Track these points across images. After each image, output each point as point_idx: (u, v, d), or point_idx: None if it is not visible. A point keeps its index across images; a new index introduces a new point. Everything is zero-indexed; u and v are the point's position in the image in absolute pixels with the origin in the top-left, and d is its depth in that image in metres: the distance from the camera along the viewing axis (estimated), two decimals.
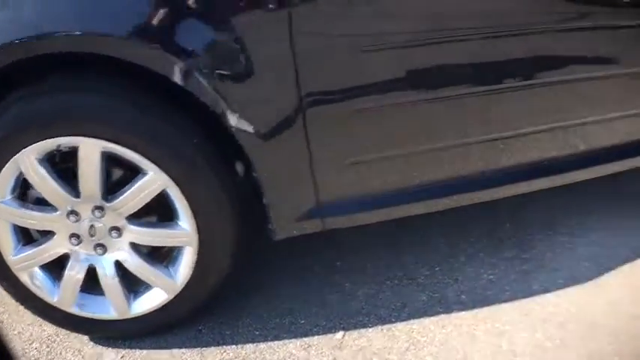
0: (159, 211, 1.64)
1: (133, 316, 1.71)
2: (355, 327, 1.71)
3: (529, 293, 1.81)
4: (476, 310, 1.75)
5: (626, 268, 1.92)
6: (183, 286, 1.66)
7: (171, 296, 1.68)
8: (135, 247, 1.64)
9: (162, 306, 1.70)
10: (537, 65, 1.74)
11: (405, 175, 1.68)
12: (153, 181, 1.53)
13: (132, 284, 1.69)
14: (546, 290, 1.82)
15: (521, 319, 1.74)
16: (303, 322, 1.74)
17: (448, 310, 1.75)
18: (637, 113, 1.98)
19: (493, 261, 1.92)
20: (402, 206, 1.69)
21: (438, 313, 1.74)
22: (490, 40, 1.61)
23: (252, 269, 1.92)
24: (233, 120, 1.46)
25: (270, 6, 1.40)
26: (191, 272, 1.65)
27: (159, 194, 1.55)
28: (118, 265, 1.65)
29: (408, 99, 1.58)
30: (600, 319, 1.74)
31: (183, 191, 1.54)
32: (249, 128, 1.47)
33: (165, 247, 1.69)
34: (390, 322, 1.72)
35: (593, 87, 1.88)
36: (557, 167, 1.94)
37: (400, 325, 1.72)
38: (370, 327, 1.71)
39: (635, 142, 2.03)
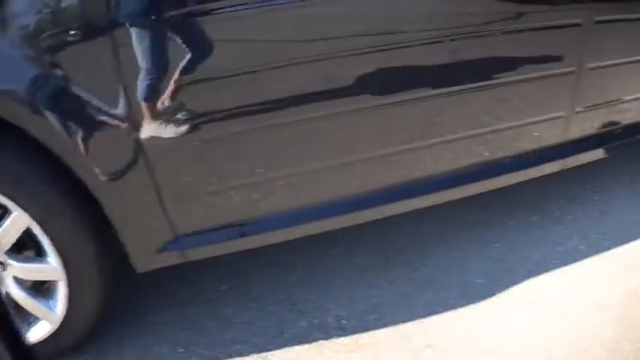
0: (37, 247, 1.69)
1: (29, 343, 1.77)
2: (231, 355, 1.68)
3: (413, 316, 1.75)
4: (355, 336, 1.70)
5: (525, 286, 1.85)
6: (62, 317, 1.70)
7: (55, 327, 1.73)
8: (18, 280, 1.69)
9: (50, 335, 1.75)
10: (409, 76, 1.68)
11: (266, 201, 1.64)
12: (17, 219, 1.56)
13: (26, 314, 1.75)
14: (433, 312, 1.76)
15: (402, 344, 1.68)
16: (182, 350, 1.72)
17: (327, 336, 1.71)
18: (553, 117, 1.89)
19: (378, 282, 1.86)
20: (268, 233, 1.65)
21: (315, 339, 1.70)
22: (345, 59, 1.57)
23: (134, 296, 1.90)
24: (75, 162, 1.47)
25: (98, 45, 1.39)
26: (67, 305, 1.69)
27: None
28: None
29: (256, 125, 1.53)
30: (492, 344, 1.66)
31: (45, 229, 1.56)
32: (92, 168, 1.46)
33: (48, 280, 1.74)
34: (266, 349, 1.69)
35: (500, 93, 1.81)
36: (452, 181, 1.87)
37: (277, 353, 1.68)
38: (245, 355, 1.68)
39: (549, 148, 1.94)
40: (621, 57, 1.85)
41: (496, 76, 1.76)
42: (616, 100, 1.94)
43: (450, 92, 1.73)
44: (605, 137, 1.97)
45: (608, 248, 1.99)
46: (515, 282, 1.85)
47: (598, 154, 1.96)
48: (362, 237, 2.04)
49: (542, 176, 1.97)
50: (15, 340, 0.85)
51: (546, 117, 1.83)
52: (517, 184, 1.95)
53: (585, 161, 1.95)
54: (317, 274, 1.92)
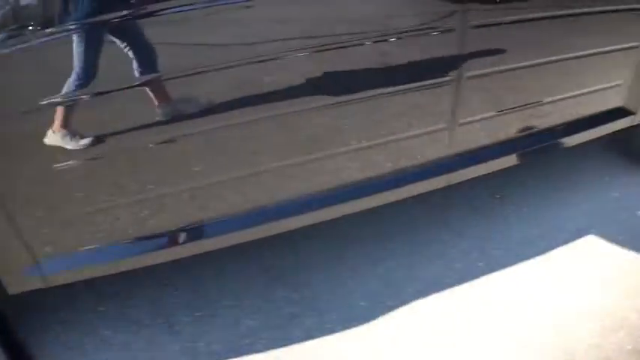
0: None
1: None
2: None
3: (288, 341, 1.69)
4: None
5: (410, 308, 1.76)
6: None
7: None
8: None
9: None
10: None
11: (155, 219, 1.58)
12: None
13: None
14: (309, 337, 1.70)
15: None
16: None
17: None
18: (435, 130, 1.75)
19: (259, 303, 1.80)
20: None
21: None
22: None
23: (19, 316, 1.81)
24: None
25: None
26: None
27: None
28: None
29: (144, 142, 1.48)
30: None
31: None
32: None
33: None
34: None
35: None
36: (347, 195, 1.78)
37: None
38: None
39: (432, 162, 1.81)
40: (504, 64, 1.70)
41: (378, 87, 1.64)
42: (506, 110, 1.79)
43: (338, 103, 1.64)
44: (497, 147, 1.82)
45: (509, 265, 1.88)
46: (401, 304, 1.76)
47: (490, 166, 1.82)
48: (252, 254, 1.96)
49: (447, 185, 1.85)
50: (11, 340, 0.85)
51: (429, 129, 1.71)
52: (420, 194, 1.84)
53: (476, 175, 1.82)
54: (199, 296, 1.87)
